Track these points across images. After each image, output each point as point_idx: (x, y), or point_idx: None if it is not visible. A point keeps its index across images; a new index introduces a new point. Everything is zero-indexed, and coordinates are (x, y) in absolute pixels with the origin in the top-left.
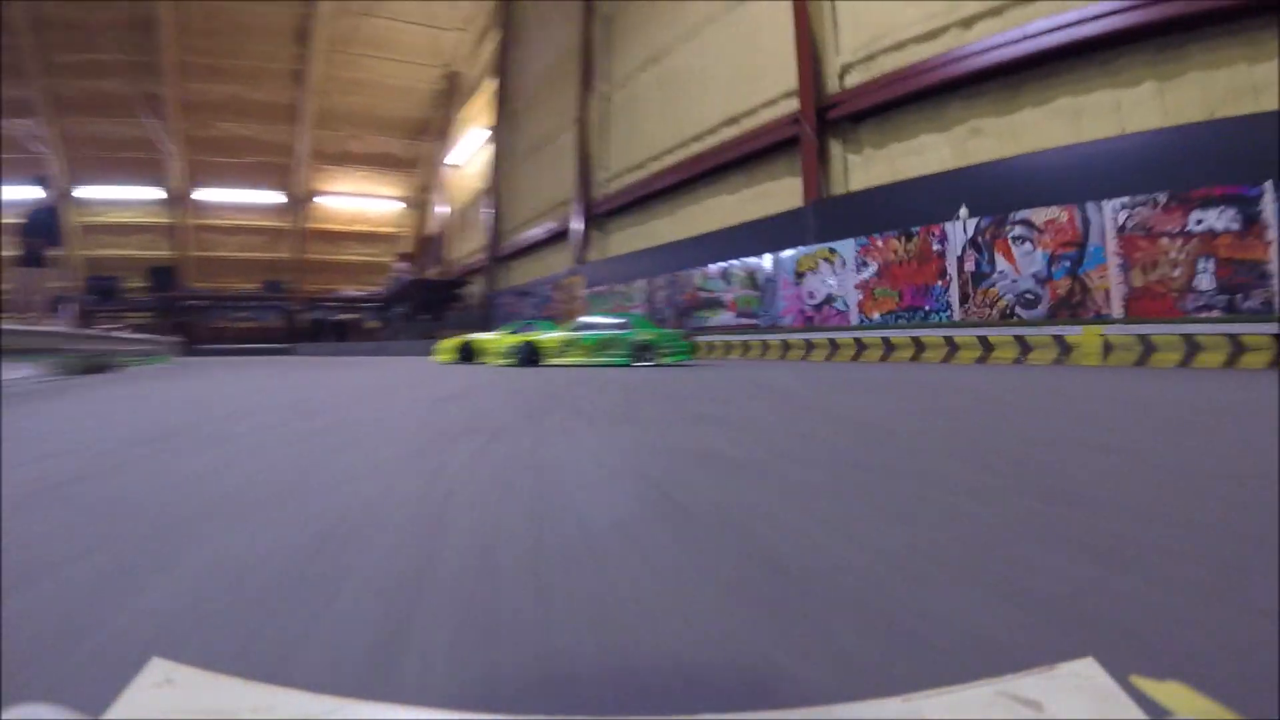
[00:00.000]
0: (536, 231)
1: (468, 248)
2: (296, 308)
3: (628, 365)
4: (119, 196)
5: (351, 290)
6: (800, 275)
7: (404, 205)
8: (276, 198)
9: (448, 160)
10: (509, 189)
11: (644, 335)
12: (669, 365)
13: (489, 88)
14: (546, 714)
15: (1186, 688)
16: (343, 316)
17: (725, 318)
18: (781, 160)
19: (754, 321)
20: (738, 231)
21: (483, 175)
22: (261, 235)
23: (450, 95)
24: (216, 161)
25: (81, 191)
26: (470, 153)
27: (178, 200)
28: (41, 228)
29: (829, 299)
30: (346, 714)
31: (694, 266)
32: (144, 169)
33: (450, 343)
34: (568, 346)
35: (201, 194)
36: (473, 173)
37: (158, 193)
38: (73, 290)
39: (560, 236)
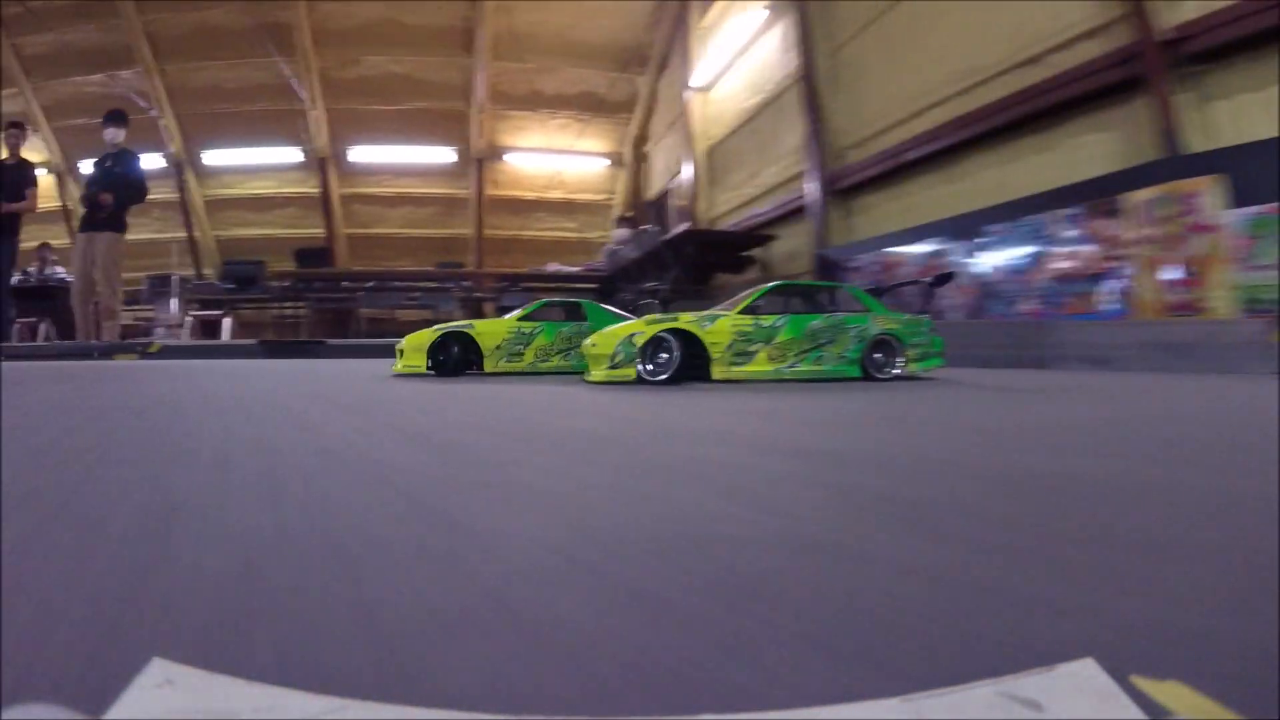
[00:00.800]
0: (918, 142)
1: (733, 198)
2: (485, 291)
3: (860, 377)
4: (251, 162)
5: (560, 266)
6: None
7: (612, 163)
8: (447, 156)
9: (690, 84)
10: (845, 82)
11: (884, 322)
12: (921, 374)
13: None
14: (546, 714)
15: (1186, 688)
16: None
17: None
18: None
19: None
20: None
21: (751, 93)
22: (431, 206)
23: (677, 13)
24: (367, 110)
25: (207, 157)
26: (719, 71)
27: (323, 164)
28: (114, 179)
29: None
30: (347, 714)
31: None
32: (278, 124)
33: (421, 338)
34: (745, 341)
35: (353, 155)
36: (727, 96)
37: (297, 155)
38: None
39: (984, 141)
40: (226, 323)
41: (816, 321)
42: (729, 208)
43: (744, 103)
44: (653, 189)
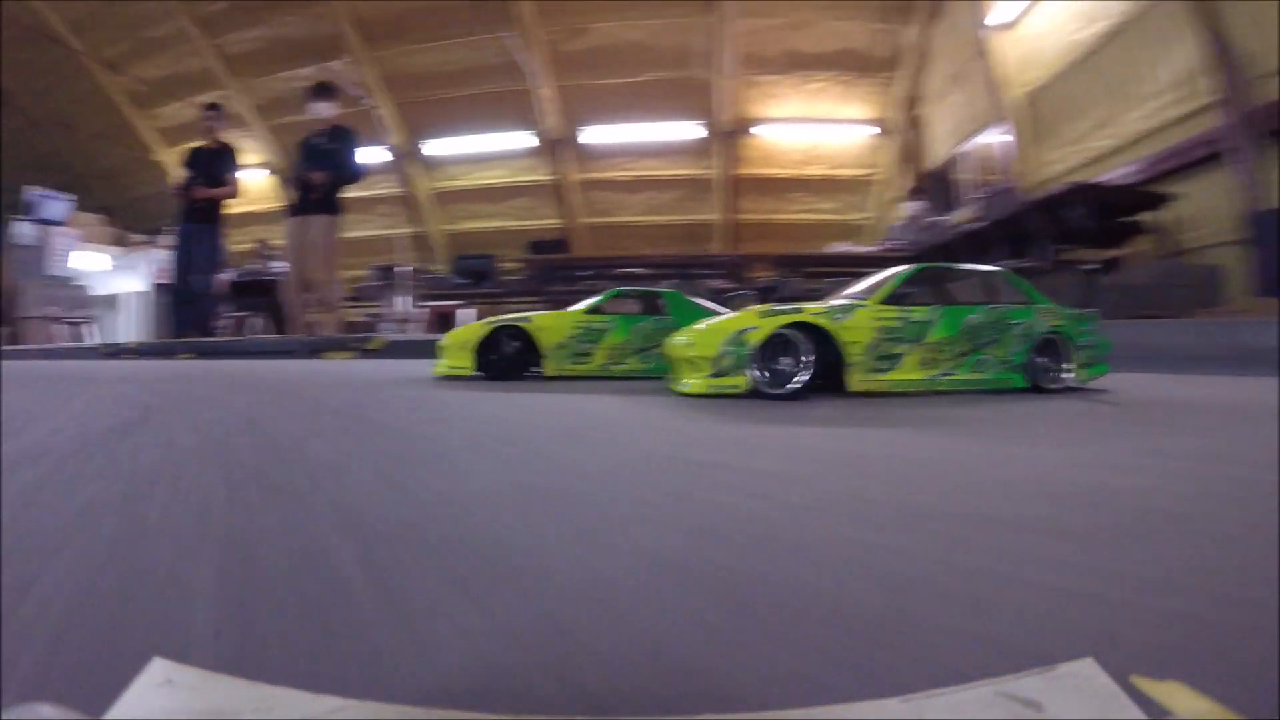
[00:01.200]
0: None
1: (1070, 155)
2: (750, 280)
3: (1025, 388)
4: (478, 150)
5: (850, 246)
6: None
7: (879, 131)
8: (691, 132)
9: (987, 23)
10: None
11: (1050, 317)
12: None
13: None
14: (546, 714)
15: (1186, 688)
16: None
17: None
18: None
19: None
20: None
21: (1085, 21)
22: (673, 190)
23: None
24: (601, 85)
25: (430, 147)
26: (1028, 3)
27: (556, 148)
28: (326, 156)
29: None
30: (347, 714)
31: None
32: (504, 107)
33: (467, 334)
34: (890, 340)
35: (587, 136)
36: (1046, 31)
37: (528, 140)
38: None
39: None
40: (467, 315)
41: (975, 315)
42: (1065, 167)
43: (1074, 35)
44: (932, 157)
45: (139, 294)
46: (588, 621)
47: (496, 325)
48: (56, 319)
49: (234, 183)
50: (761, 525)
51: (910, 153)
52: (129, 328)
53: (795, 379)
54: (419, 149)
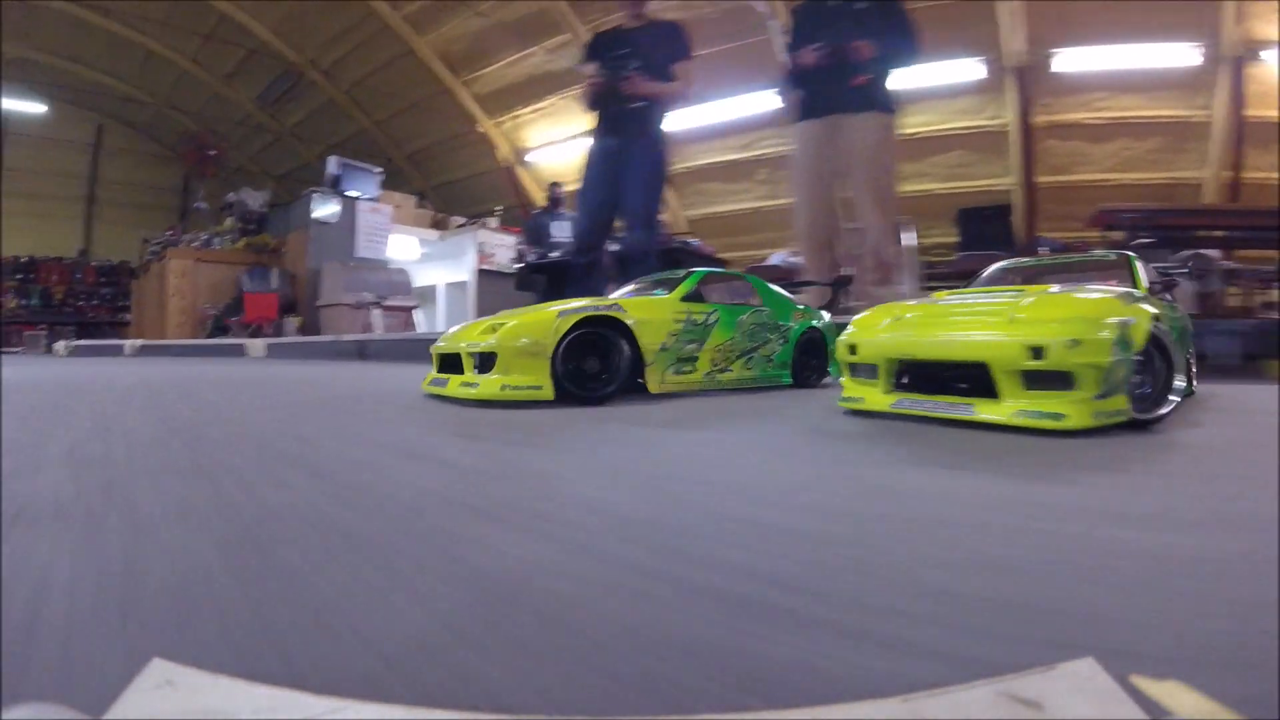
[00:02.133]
0: None
1: None
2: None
3: None
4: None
5: None
6: None
7: None
8: (1183, 57)
9: None
10: None
11: None
12: None
13: None
14: (546, 714)
15: (1186, 688)
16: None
17: None
18: None
19: None
20: None
21: None
22: (1152, 137)
23: None
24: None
25: None
26: None
27: (1021, 80)
28: (870, 21)
29: None
30: (347, 714)
31: None
32: (950, 29)
33: (536, 328)
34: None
35: (1059, 63)
36: None
37: (975, 70)
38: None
39: None
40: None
41: None
42: None
43: None
44: None
45: (454, 284)
46: None
47: (580, 316)
48: (372, 304)
49: (687, 76)
50: None
51: None
52: (442, 322)
53: (1171, 394)
54: None
